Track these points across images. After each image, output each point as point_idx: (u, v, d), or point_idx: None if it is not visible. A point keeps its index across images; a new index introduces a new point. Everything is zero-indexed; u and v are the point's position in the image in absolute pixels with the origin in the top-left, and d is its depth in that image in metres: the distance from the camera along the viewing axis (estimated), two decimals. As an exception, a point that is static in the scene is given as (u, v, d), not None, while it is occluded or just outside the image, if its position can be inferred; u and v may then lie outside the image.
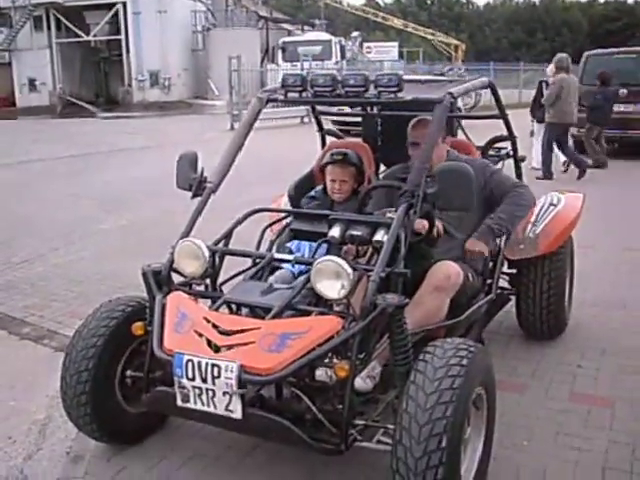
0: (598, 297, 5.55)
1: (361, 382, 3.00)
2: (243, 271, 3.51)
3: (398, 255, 2.99)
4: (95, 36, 36.75)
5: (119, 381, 3.33)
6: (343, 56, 33.77)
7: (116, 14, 34.89)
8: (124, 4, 34.50)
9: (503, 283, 4.68)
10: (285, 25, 43.95)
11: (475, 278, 3.70)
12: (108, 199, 10.52)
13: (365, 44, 44.80)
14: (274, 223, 4.14)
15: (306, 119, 21.96)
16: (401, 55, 45.58)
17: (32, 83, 36.43)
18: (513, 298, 4.62)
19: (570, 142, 12.25)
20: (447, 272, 3.33)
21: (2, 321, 5.49)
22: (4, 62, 36.28)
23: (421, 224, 3.29)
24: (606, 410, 3.78)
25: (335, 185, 4.01)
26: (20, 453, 3.59)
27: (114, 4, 34.56)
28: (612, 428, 3.59)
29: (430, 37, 53.62)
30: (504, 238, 4.06)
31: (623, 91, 13.43)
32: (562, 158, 12.21)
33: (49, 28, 36.09)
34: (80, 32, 35.92)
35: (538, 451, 3.39)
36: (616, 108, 13.51)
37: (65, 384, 3.27)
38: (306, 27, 44.11)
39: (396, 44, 47.32)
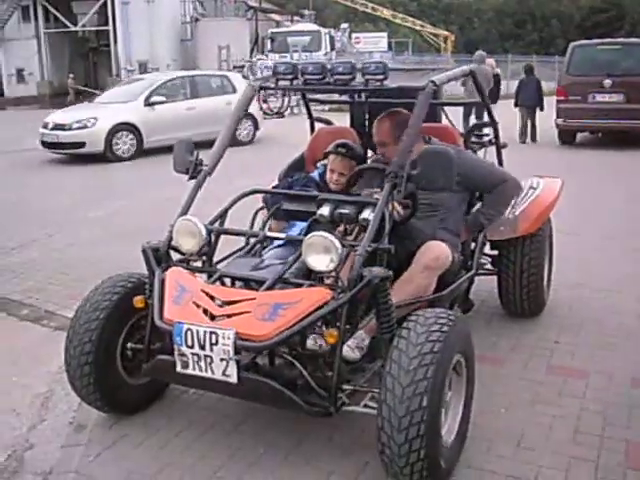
0: (579, 280, 5.76)
1: (350, 352, 3.19)
2: (237, 251, 3.70)
3: (383, 232, 3.20)
4: (83, 26, 36.66)
5: (120, 353, 3.52)
6: (332, 47, 33.79)
7: (104, 4, 34.77)
8: (112, -6, 34.52)
9: (486, 265, 4.91)
10: (274, 16, 43.95)
11: (458, 257, 3.90)
12: (96, 186, 10.69)
13: (354, 35, 44.85)
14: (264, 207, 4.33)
15: (296, 110, 22.12)
16: (390, 46, 45.68)
17: (20, 73, 36.38)
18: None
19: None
20: (437, 253, 3.52)
21: (1, 303, 5.65)
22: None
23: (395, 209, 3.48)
24: (581, 381, 4.00)
25: (334, 175, 4.16)
26: (24, 424, 3.77)
27: (103, -6, 34.58)
28: (585, 397, 3.82)
29: (419, 28, 53.78)
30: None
31: (607, 81, 13.67)
32: None
33: (37, 18, 35.97)
34: (68, 22, 35.82)
35: (515, 418, 3.60)
36: (600, 98, 13.81)
37: (69, 355, 3.45)
38: (296, 18, 44.14)
39: (385, 35, 47.37)
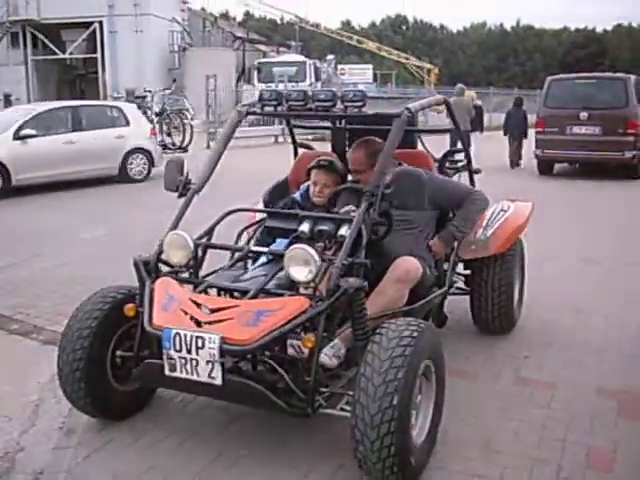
0: (552, 301, 6.00)
1: (327, 359, 3.39)
2: (222, 267, 3.93)
3: (359, 247, 3.43)
4: (71, 54, 37.03)
5: (110, 360, 3.70)
6: (317, 78, 34.28)
7: (93, 32, 35.22)
8: (100, 23, 34.81)
9: (459, 284, 5.16)
10: (261, 46, 44.56)
11: (431, 272, 4.14)
12: (84, 211, 10.88)
13: (340, 66, 45.48)
14: (250, 226, 4.57)
15: (280, 138, 22.45)
16: (375, 78, 46.32)
17: (7, 99, 36.48)
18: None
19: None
20: (408, 267, 3.76)
21: (-10, 319, 5.82)
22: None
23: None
24: (547, 392, 4.22)
25: (316, 188, 4.38)
26: (16, 428, 3.93)
27: (91, 23, 34.88)
28: (550, 407, 4.04)
29: (404, 61, 54.56)
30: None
31: (584, 114, 14.10)
32: None
33: (25, 45, 36.28)
34: (56, 49, 36.18)
35: (484, 425, 3.81)
36: (577, 130, 14.25)
37: (62, 362, 3.64)
38: (282, 49, 44.73)
39: (370, 67, 48.08)
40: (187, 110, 18.87)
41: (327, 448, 3.53)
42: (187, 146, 18.14)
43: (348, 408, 3.21)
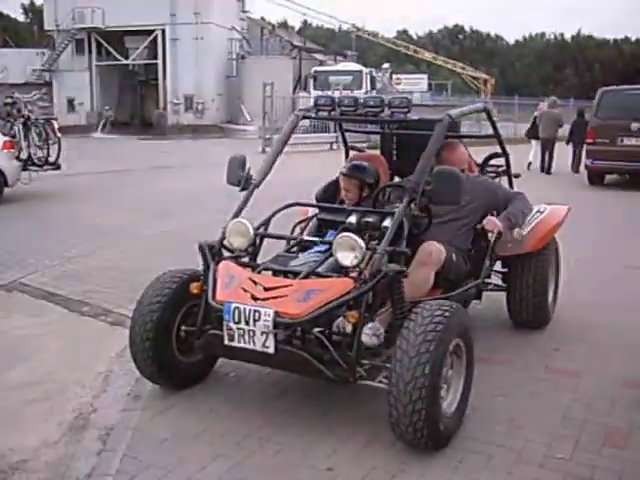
0: (587, 301, 6.27)
1: (368, 338, 3.76)
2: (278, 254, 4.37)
3: (400, 237, 3.84)
4: (134, 60, 38.25)
5: (175, 334, 4.16)
6: (373, 86, 34.52)
7: (155, 40, 36.36)
8: (163, 31, 36.00)
9: (498, 282, 5.52)
10: (318, 55, 45.16)
11: (461, 261, 4.50)
12: (150, 209, 11.47)
13: (395, 75, 45.79)
14: (304, 220, 5.00)
15: (335, 145, 22.89)
16: (430, 87, 46.54)
17: (71, 103, 37.81)
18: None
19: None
20: (430, 249, 4.17)
21: (64, 302, 6.35)
22: (44, 82, 37.73)
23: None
24: (574, 380, 4.54)
25: (343, 192, 4.78)
26: (89, 393, 4.44)
27: (153, 30, 36.06)
28: (576, 393, 4.35)
29: (459, 70, 54.66)
30: (494, 236, 4.85)
31: (635, 125, 14.19)
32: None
33: (90, 51, 37.65)
34: (119, 56, 37.46)
35: (511, 405, 4.16)
36: (627, 142, 14.32)
37: (134, 332, 4.11)
38: (339, 57, 45.28)
39: (425, 76, 48.36)
40: (55, 119, 14.90)
41: (364, 420, 3.92)
42: (57, 161, 13.90)
43: (386, 380, 3.60)
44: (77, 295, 6.51)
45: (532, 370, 4.71)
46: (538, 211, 5.32)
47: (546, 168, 17.46)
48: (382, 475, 3.39)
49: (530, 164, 17.85)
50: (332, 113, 4.58)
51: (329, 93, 27.88)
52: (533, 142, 18.35)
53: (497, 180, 5.61)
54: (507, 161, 5.35)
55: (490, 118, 4.95)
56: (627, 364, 4.85)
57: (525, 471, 3.44)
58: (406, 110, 4.23)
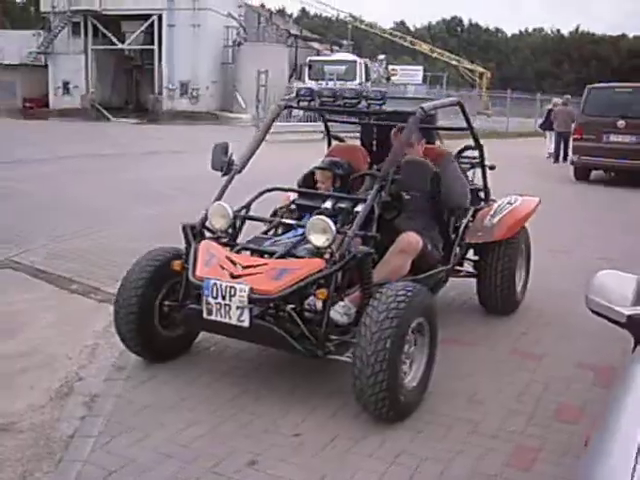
0: (558, 289, 6.50)
1: (339, 316, 4.02)
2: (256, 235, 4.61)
3: (371, 222, 4.08)
4: (130, 45, 38.26)
5: (158, 308, 4.40)
6: (367, 77, 34.46)
7: (151, 25, 36.36)
8: (160, 16, 35.92)
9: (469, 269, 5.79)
10: (314, 44, 45.21)
11: (434, 250, 4.76)
12: (140, 193, 11.67)
13: (391, 67, 45.76)
14: (284, 206, 5.23)
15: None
16: (425, 79, 46.61)
17: (66, 86, 37.83)
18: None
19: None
20: (409, 239, 4.42)
21: (54, 280, 6.58)
22: (40, 65, 37.77)
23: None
24: (536, 361, 4.81)
25: (318, 183, 5.01)
26: (75, 364, 4.68)
27: (150, 15, 36.01)
28: (535, 372, 4.63)
29: (455, 63, 54.79)
30: (463, 225, 5.10)
31: (621, 123, 14.45)
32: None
33: (86, 34, 37.51)
34: (115, 40, 37.43)
35: (472, 382, 4.42)
36: (614, 138, 14.58)
37: (118, 305, 4.35)
38: (335, 47, 45.31)
39: (421, 68, 48.36)
40: None
41: (333, 393, 4.17)
42: None
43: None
44: (67, 273, 6.73)
45: (498, 352, 4.97)
46: (509, 202, 5.57)
47: (562, 157, 19.46)
48: (345, 441, 3.65)
49: (550, 154, 20.26)
50: (312, 103, 4.83)
51: (323, 83, 28.16)
52: (547, 134, 21.07)
53: (471, 171, 5.86)
54: (481, 153, 5.59)
55: (464, 112, 5.18)
56: (588, 348, 5.11)
57: (479, 441, 3.71)
58: (381, 102, 4.47)
